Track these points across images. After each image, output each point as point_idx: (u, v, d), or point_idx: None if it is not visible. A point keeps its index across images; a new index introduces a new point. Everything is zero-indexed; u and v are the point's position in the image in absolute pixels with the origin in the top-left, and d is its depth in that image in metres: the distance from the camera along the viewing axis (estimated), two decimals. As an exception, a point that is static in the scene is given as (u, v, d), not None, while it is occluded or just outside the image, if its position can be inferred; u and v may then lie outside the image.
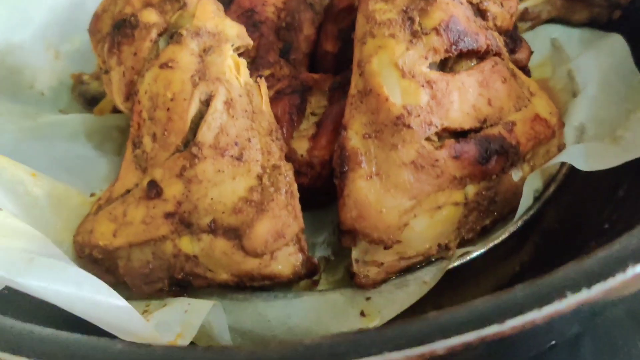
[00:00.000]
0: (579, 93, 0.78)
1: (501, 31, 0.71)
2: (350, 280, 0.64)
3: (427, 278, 0.63)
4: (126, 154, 0.64)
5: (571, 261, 0.40)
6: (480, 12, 0.68)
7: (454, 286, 0.64)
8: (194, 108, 0.60)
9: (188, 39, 0.62)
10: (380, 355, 0.35)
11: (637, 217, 0.64)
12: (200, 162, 0.58)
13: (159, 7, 0.66)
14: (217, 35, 0.64)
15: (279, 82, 0.72)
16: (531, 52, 0.76)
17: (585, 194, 0.72)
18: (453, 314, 0.36)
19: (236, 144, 0.59)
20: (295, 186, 0.61)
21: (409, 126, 0.59)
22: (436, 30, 0.61)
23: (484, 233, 0.67)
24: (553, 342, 0.55)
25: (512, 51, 0.73)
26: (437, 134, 0.61)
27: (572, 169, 0.69)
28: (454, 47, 0.62)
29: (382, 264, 0.62)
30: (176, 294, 0.62)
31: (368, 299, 0.62)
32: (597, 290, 0.38)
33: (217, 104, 0.60)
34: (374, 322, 0.60)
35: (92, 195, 0.71)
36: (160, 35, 0.65)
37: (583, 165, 0.64)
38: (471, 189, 0.63)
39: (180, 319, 0.56)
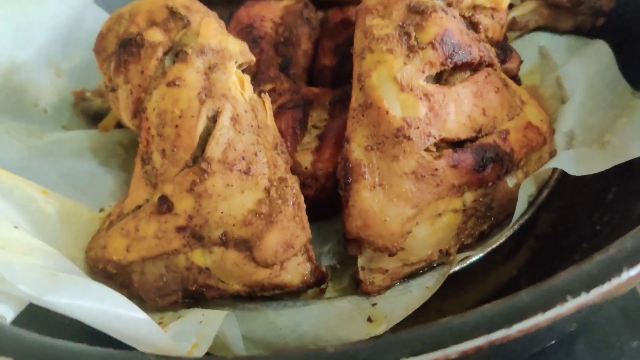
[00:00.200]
0: (567, 100, 0.80)
1: (492, 42, 0.73)
2: (356, 288, 0.66)
3: (429, 283, 0.65)
4: (135, 170, 0.65)
5: (565, 263, 0.42)
6: (473, 25, 0.70)
7: (455, 290, 0.66)
8: (201, 124, 0.61)
9: (193, 57, 0.64)
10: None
11: (627, 218, 0.67)
12: (209, 177, 0.59)
13: (164, 26, 0.67)
14: (221, 52, 0.65)
15: (281, 96, 0.74)
16: (521, 62, 0.78)
17: (577, 198, 0.74)
18: (465, 319, 0.38)
19: (243, 158, 0.61)
20: (302, 198, 0.63)
21: (409, 138, 0.61)
22: (432, 44, 0.63)
23: (482, 238, 0.69)
24: (553, 341, 0.57)
25: (503, 61, 0.75)
26: (435, 144, 0.62)
27: (564, 174, 0.71)
28: (449, 60, 0.64)
29: (387, 270, 0.64)
30: (189, 306, 0.63)
31: (374, 305, 0.64)
32: (595, 294, 0.40)
33: (224, 120, 0.61)
34: (380, 327, 0.62)
35: (101, 210, 0.72)
36: (165, 53, 0.66)
37: (573, 170, 0.66)
38: (469, 196, 0.65)
39: (195, 330, 0.57)
